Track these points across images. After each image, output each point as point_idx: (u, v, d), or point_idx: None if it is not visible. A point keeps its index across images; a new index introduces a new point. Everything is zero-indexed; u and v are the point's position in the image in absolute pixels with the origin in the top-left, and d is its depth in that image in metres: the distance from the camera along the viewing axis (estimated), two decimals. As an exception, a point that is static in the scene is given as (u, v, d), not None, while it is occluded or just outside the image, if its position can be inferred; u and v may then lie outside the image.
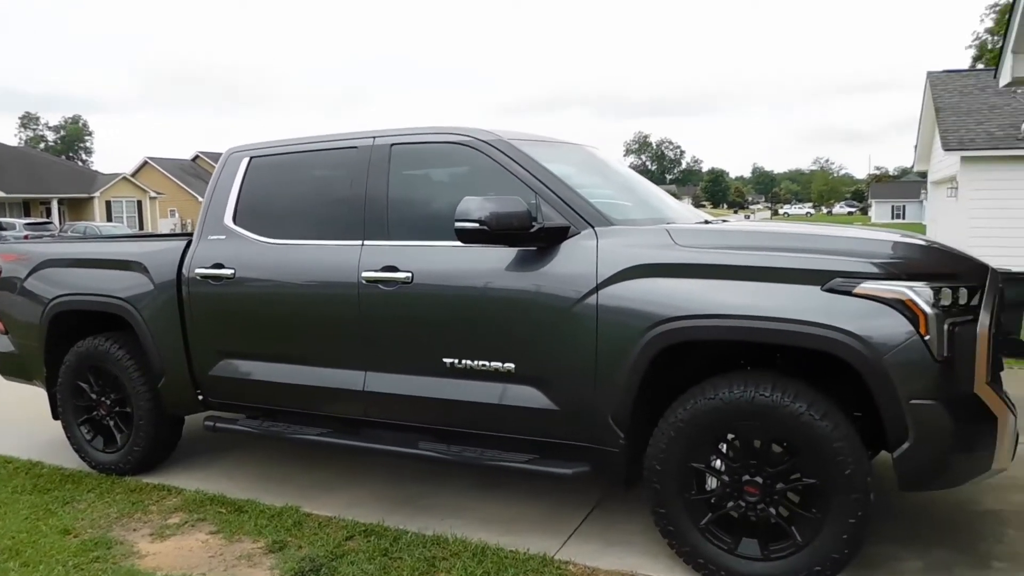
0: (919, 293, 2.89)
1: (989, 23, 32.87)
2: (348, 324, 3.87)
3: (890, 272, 2.95)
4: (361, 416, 3.97)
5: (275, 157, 4.41)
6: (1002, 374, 3.33)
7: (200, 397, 4.49)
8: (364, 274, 3.80)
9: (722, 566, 3.16)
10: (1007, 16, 7.74)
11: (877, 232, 3.50)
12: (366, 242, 3.89)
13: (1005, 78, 8.01)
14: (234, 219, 4.36)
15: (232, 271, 4.21)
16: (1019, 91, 14.11)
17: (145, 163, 52.58)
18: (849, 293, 2.94)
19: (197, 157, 56.47)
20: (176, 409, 4.59)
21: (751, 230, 3.56)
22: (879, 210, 67.02)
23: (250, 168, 4.43)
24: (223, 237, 4.34)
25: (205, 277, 4.29)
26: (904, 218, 62.47)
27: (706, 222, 4.10)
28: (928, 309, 2.87)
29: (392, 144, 3.98)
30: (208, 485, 4.45)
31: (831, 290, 2.97)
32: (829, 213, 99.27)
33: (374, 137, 4.05)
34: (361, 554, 3.50)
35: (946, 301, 2.93)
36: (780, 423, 3.01)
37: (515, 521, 3.87)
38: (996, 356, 3.16)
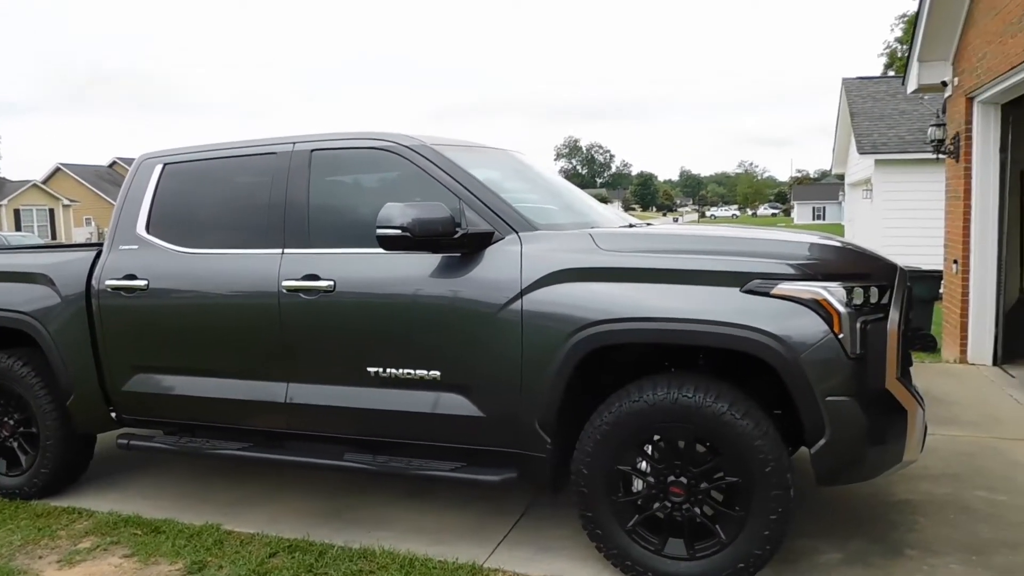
0: (833, 293, 2.97)
1: (899, 32, 34.44)
2: (269, 335, 3.75)
3: (806, 273, 3.03)
4: (284, 429, 3.86)
5: (191, 164, 4.25)
6: (911, 368, 3.47)
7: (113, 414, 4.29)
8: (285, 283, 3.70)
9: (649, 567, 3.18)
10: (913, 26, 8.10)
11: (794, 234, 3.59)
12: (286, 250, 3.78)
13: (912, 85, 8.38)
14: (147, 228, 4.18)
15: (145, 282, 4.03)
16: (926, 97, 14.80)
17: (58, 169, 50.23)
18: (767, 294, 3.01)
19: (115, 163, 54.33)
20: (87, 428, 4.37)
21: (673, 233, 3.62)
22: (801, 211, 69.45)
23: (164, 175, 4.26)
24: (136, 247, 4.16)
25: (117, 289, 4.10)
26: (824, 219, 64.86)
27: (630, 226, 4.15)
28: (841, 308, 2.95)
29: (313, 150, 3.89)
30: (122, 506, 4.24)
31: (750, 291, 3.03)
32: (754, 215, 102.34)
33: (294, 143, 3.95)
34: (285, 571, 3.39)
35: (858, 300, 3.03)
36: (703, 423, 3.05)
37: (444, 530, 3.82)
38: (906, 352, 3.29)
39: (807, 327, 2.96)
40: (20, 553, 3.73)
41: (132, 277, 4.07)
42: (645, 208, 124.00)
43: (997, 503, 3.99)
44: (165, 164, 4.28)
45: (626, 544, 3.22)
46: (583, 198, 4.62)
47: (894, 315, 3.10)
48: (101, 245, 4.37)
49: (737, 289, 3.04)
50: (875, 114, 17.52)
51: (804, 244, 3.29)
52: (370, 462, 3.65)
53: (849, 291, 3.01)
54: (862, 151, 16.26)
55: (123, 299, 4.09)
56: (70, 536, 3.90)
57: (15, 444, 4.48)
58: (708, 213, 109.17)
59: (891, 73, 28.42)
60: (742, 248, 3.21)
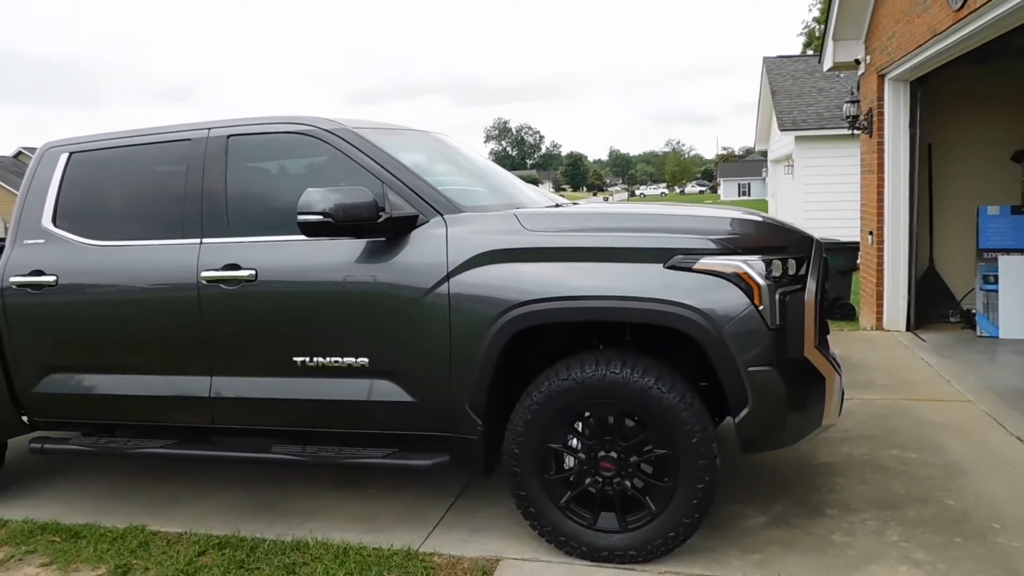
0: (752, 266, 3.04)
1: (816, 12, 35.46)
2: (189, 328, 3.63)
3: (726, 247, 3.09)
4: (209, 424, 3.74)
5: (99, 152, 4.06)
6: (829, 337, 3.60)
7: (24, 418, 4.09)
8: (204, 274, 3.58)
9: (583, 542, 3.23)
10: (828, 5, 8.33)
11: (714, 210, 3.66)
12: (204, 240, 3.66)
13: (827, 63, 8.64)
14: (54, 221, 3.98)
15: (54, 278, 3.85)
16: (842, 75, 15.30)
17: (-40, 161, 47.45)
18: (689, 269, 3.06)
19: (20, 153, 51.62)
20: (-5, 433, 4.16)
21: (597, 212, 3.64)
22: (727, 188, 71.13)
23: (70, 165, 4.06)
24: (41, 241, 3.96)
25: (22, 286, 3.90)
26: (750, 195, 66.58)
27: (556, 205, 4.16)
28: (761, 281, 3.03)
29: (229, 136, 3.76)
30: (38, 513, 4.05)
31: (672, 267, 3.08)
32: (682, 193, 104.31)
33: (209, 129, 3.81)
34: (215, 569, 3.31)
35: (777, 272, 3.11)
36: (631, 398, 3.10)
37: (377, 517, 3.79)
38: (823, 321, 3.40)
39: (729, 300, 3.03)
40: (-72, 568, 3.54)
41: (39, 273, 3.88)
42: (576, 188, 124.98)
43: (909, 460, 4.20)
44: (71, 153, 4.07)
45: (559, 520, 3.26)
46: (509, 179, 4.61)
47: (811, 286, 3.20)
48: (3, 240, 4.14)
49: (660, 265, 3.09)
50: (795, 92, 18.04)
51: (724, 219, 3.35)
52: (300, 453, 3.59)
53: (768, 264, 3.08)
54: (783, 128, 16.74)
55: (30, 296, 3.89)
56: (-17, 547, 3.72)
57: (-82, 454, 4.23)
58: (638, 192, 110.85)
59: (810, 52, 29.24)
60: (664, 225, 3.25)
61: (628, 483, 3.20)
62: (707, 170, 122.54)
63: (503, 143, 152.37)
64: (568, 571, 3.18)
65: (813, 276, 3.24)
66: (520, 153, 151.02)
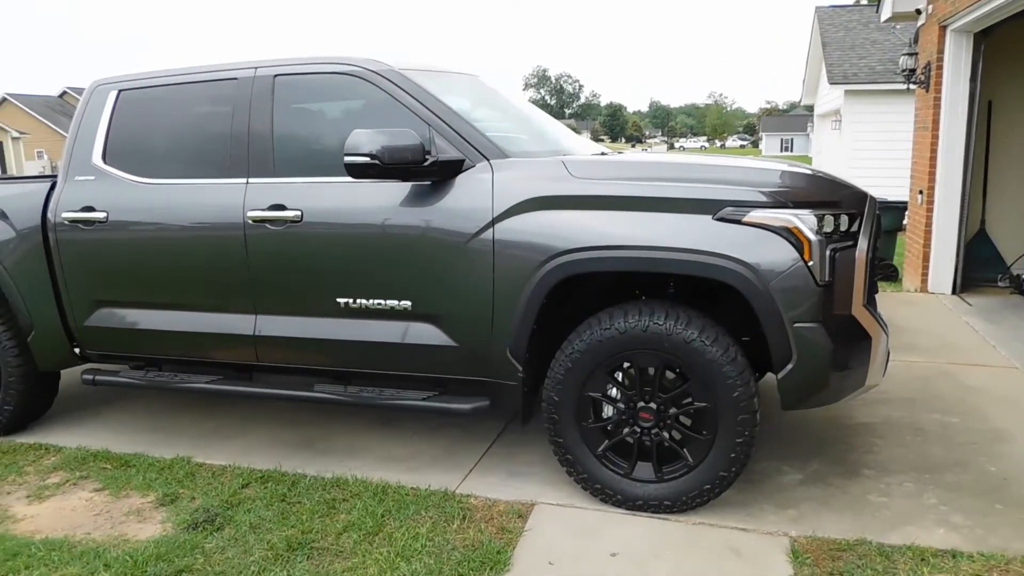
0: (804, 221, 2.97)
1: (872, -41, 33.98)
2: (234, 267, 3.68)
3: (777, 201, 3.02)
4: (253, 361, 3.82)
5: (148, 90, 4.07)
6: (877, 296, 3.53)
7: (76, 350, 4.21)
8: (250, 214, 3.61)
9: (618, 490, 3.26)
10: (887, -49, 7.96)
11: (766, 162, 3.57)
12: (251, 180, 3.67)
13: (886, 12, 8.29)
14: (104, 158, 4.03)
15: (104, 214, 3.91)
16: (898, 26, 14.71)
17: (4, 100, 48.15)
18: (739, 222, 3.00)
19: (65, 93, 52.21)
20: (49, 364, 4.29)
21: (646, 161, 3.57)
22: (769, 143, 69.57)
23: (119, 102, 4.08)
24: (92, 178, 4.02)
25: (74, 222, 3.97)
26: (792, 151, 65.08)
27: (602, 154, 4.10)
28: (812, 236, 2.96)
29: (276, 75, 3.74)
30: (91, 441, 4.21)
31: (722, 219, 3.02)
32: (723, 146, 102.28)
33: (256, 68, 3.79)
34: (258, 501, 3.41)
35: (828, 228, 3.03)
36: (673, 350, 3.08)
37: (415, 458, 3.86)
38: (872, 280, 3.33)
39: (778, 255, 2.97)
40: (-12, 488, 3.70)
41: (90, 209, 3.94)
42: (614, 139, 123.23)
43: (949, 425, 4.14)
44: (120, 91, 4.09)
45: (596, 468, 3.28)
46: (555, 126, 4.54)
47: (863, 243, 3.13)
48: (53, 177, 4.21)
49: (709, 217, 3.03)
50: (847, 44, 17.41)
51: (776, 172, 3.27)
52: (341, 393, 3.65)
53: (820, 219, 3.01)
54: (832, 81, 16.21)
55: (81, 232, 3.96)
56: (38, 472, 3.87)
57: (-24, 381, 4.39)
58: (677, 144, 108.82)
59: (864, 1, 28.14)
60: (714, 176, 3.18)
61: (666, 434, 3.21)
62: (749, 124, 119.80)
63: (541, 91, 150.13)
64: (603, 518, 3.21)
65: (866, 233, 3.16)
66: (558, 102, 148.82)
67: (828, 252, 3.00)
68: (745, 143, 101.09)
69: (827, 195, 3.19)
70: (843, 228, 3.10)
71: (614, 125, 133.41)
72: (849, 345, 3.12)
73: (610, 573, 2.84)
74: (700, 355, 3.05)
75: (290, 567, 2.89)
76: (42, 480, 3.77)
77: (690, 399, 3.17)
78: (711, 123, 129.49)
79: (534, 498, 3.39)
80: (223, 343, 3.84)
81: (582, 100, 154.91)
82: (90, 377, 4.17)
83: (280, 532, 3.13)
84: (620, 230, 3.10)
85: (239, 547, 3.05)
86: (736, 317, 3.30)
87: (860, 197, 3.25)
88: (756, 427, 3.10)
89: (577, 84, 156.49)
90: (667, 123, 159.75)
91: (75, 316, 4.10)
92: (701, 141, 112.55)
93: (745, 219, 3.01)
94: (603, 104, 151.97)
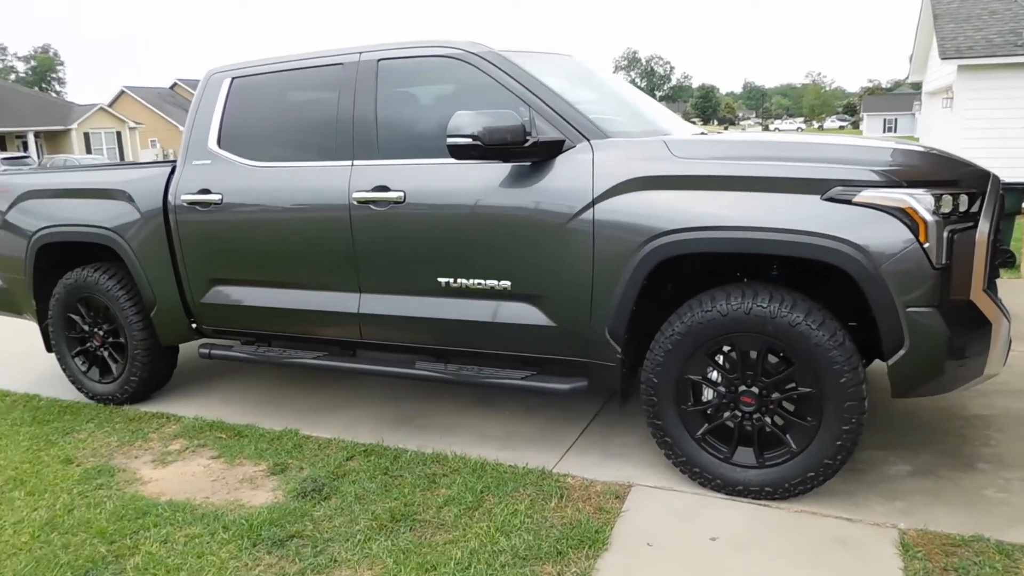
0: (920, 200, 2.84)
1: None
2: (340, 246, 3.81)
3: (890, 180, 2.90)
4: (357, 338, 3.96)
5: (258, 77, 4.25)
6: (997, 281, 3.34)
7: (193, 325, 4.47)
8: (355, 195, 3.72)
9: (718, 474, 3.22)
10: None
11: (876, 140, 3.43)
12: (355, 162, 3.79)
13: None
14: (219, 143, 4.24)
15: (219, 196, 4.12)
16: (1018, -5, 13.76)
17: (122, 93, 51.20)
18: (849, 202, 2.90)
19: (176, 85, 55.03)
20: (169, 338, 4.57)
21: (750, 140, 3.48)
22: (871, 123, 66.34)
23: (232, 89, 4.28)
24: (208, 162, 4.23)
25: (192, 203, 4.20)
26: (896, 131, 61.91)
27: (701, 134, 4.02)
28: (928, 216, 2.83)
29: (379, 60, 3.84)
30: (206, 412, 4.47)
31: (831, 199, 2.92)
32: (820, 128, 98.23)
33: (360, 53, 3.90)
34: (362, 473, 3.55)
35: (946, 208, 2.89)
36: (777, 334, 3.01)
37: (512, 437, 3.92)
38: (993, 263, 3.15)
39: (890, 236, 2.85)
40: (118, 453, 3.98)
41: (206, 192, 4.16)
42: (706, 121, 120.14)
43: (1079, 419, 3.88)
44: (233, 78, 4.29)
45: (695, 452, 3.25)
46: (652, 105, 4.48)
47: (983, 225, 2.96)
48: (174, 162, 4.46)
49: (817, 197, 2.94)
50: (961, 15, 16.38)
51: (887, 149, 3.13)
52: (441, 371, 3.74)
53: (937, 199, 2.87)
54: (944, 56, 15.30)
55: (198, 213, 4.19)
56: (161, 439, 4.14)
57: (106, 354, 4.73)
58: (772, 126, 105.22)
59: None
60: (822, 154, 3.08)
61: (768, 419, 3.15)
62: (849, 104, 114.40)
63: (632, 73, 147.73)
64: (701, 502, 3.18)
65: (987, 214, 2.99)
66: (649, 84, 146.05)
67: (946, 233, 2.86)
68: (845, 124, 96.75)
69: (945, 174, 3.03)
70: (962, 209, 2.95)
71: (706, 107, 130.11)
72: (967, 332, 2.96)
73: (710, 557, 2.81)
74: (806, 339, 2.97)
75: (394, 537, 3.00)
76: (165, 447, 4.03)
77: (794, 384, 3.09)
78: (808, 103, 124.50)
79: (631, 480, 3.39)
80: (328, 320, 3.99)
81: (673, 82, 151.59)
82: (206, 351, 4.42)
83: (384, 503, 3.25)
84: (724, 210, 3.04)
85: (345, 516, 3.18)
86: (843, 301, 3.19)
87: (982, 176, 3.07)
88: (864, 415, 3.00)
89: (668, 66, 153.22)
90: (762, 104, 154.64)
91: (193, 293, 4.34)
92: (797, 122, 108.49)
93: (856, 199, 2.90)
94: (695, 86, 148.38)
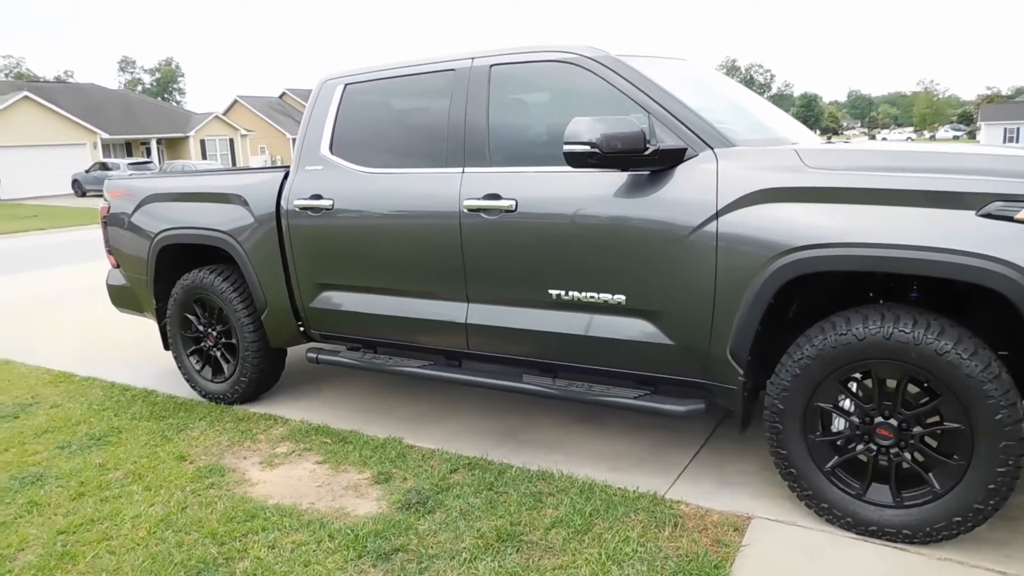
0: (1092, 219, 2.53)
1: None
2: (449, 254, 3.76)
3: (1058, 194, 2.60)
4: (463, 349, 3.89)
5: (370, 83, 4.27)
6: None
7: (302, 329, 4.52)
8: (465, 203, 3.66)
9: (848, 512, 2.97)
10: None
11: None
12: (466, 169, 3.73)
13: None
14: (331, 149, 4.27)
15: (331, 202, 4.14)
16: None
17: (235, 102, 53.91)
18: (1010, 219, 2.61)
19: (284, 94, 57.46)
20: (279, 341, 4.64)
21: (891, 150, 3.21)
22: (989, 133, 62.34)
23: (345, 96, 4.31)
24: (320, 167, 4.27)
25: (304, 208, 4.24)
26: (1018, 141, 57.99)
27: (829, 141, 3.76)
28: (1104, 236, 2.52)
29: (492, 65, 3.77)
30: (312, 416, 4.51)
31: (988, 215, 2.64)
32: (932, 137, 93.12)
33: (473, 58, 3.85)
34: (467, 487, 3.46)
35: (1123, 227, 2.57)
36: (921, 362, 2.74)
37: (620, 458, 3.76)
38: None
39: None
40: (228, 453, 4.06)
41: (318, 197, 4.19)
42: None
43: None
44: (346, 85, 4.32)
45: (823, 485, 3.01)
46: (774, 112, 4.26)
47: None
48: (287, 167, 4.53)
49: (972, 212, 2.66)
50: (1103, 17, 15.09)
51: None
52: (549, 386, 3.62)
53: (1112, 217, 2.55)
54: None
55: (310, 218, 4.23)
56: (269, 440, 4.19)
57: (219, 354, 4.85)
58: (879, 136, 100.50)
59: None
60: (975, 165, 2.80)
61: (908, 455, 2.88)
62: (965, 112, 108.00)
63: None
64: (830, 540, 2.94)
65: None
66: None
67: (1124, 256, 2.53)
68: (960, 133, 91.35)
69: (1119, 188, 2.69)
70: None
71: (808, 116, 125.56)
72: None
73: (843, 603, 2.58)
74: (955, 369, 2.69)
75: (501, 558, 2.89)
76: (272, 448, 4.08)
77: (939, 418, 2.81)
78: (918, 112, 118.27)
79: (750, 511, 3.17)
80: (435, 329, 3.94)
81: (773, 91, 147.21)
82: (313, 356, 4.46)
83: (489, 521, 3.15)
84: (863, 225, 2.80)
85: (450, 532, 3.10)
86: (992, 328, 2.89)
87: None
88: (1022, 456, 2.69)
89: (769, 74, 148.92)
90: (868, 113, 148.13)
91: (302, 297, 4.39)
92: (907, 132, 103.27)
93: (1018, 216, 2.61)
94: (796, 94, 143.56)
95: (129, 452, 4.08)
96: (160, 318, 5.09)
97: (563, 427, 4.17)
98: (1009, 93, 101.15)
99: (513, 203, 3.52)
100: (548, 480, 3.49)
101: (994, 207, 2.64)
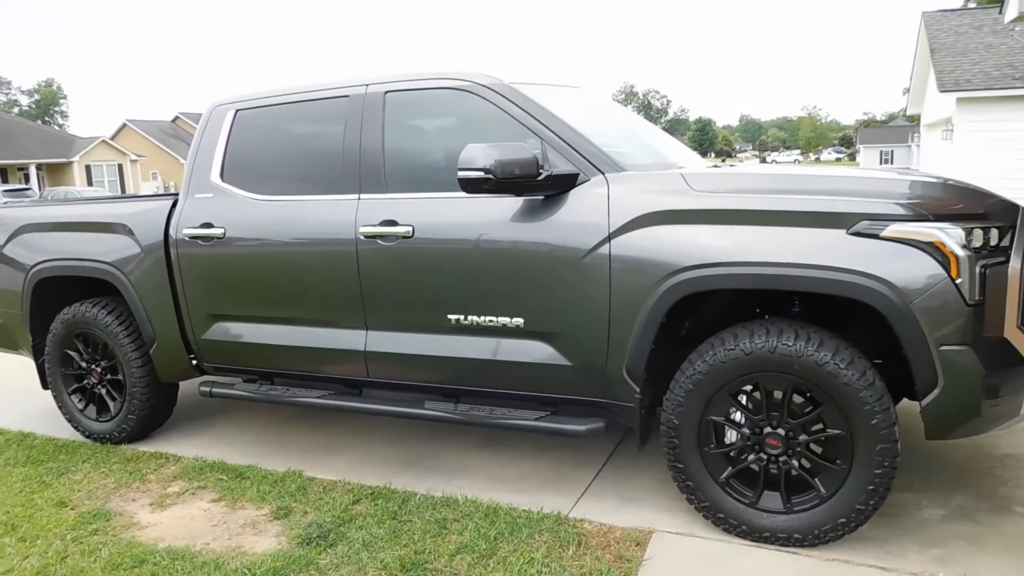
0: (950, 235, 2.75)
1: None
2: (346, 282, 3.70)
3: (918, 213, 2.81)
4: (363, 377, 3.83)
5: (262, 109, 4.18)
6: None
7: (194, 362, 4.34)
8: (362, 229, 3.62)
9: (743, 520, 3.08)
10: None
11: (901, 172, 3.34)
12: (363, 196, 3.70)
13: (1012, 13, 7.79)
14: (222, 176, 4.15)
15: (222, 230, 4.01)
16: (1017, 28, 13.85)
17: (124, 125, 51.52)
18: (876, 236, 2.80)
19: (177, 118, 55.38)
20: (169, 375, 4.43)
21: (771, 173, 3.39)
22: (867, 155, 66.67)
23: (236, 122, 4.20)
24: (211, 195, 4.14)
25: (194, 237, 4.09)
26: (892, 163, 62.16)
27: (715, 167, 3.94)
28: (960, 251, 2.73)
29: (386, 92, 3.76)
30: (207, 452, 4.32)
31: (857, 233, 2.82)
32: (817, 159, 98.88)
33: (367, 85, 3.83)
34: (370, 518, 3.39)
35: (977, 242, 2.79)
36: (803, 373, 2.89)
37: (525, 479, 3.77)
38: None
39: (921, 272, 2.75)
40: (114, 495, 3.83)
41: (208, 225, 4.06)
42: (704, 154, 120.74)
43: (1113, 459, 3.75)
44: (237, 111, 4.21)
45: (719, 496, 3.11)
46: (664, 138, 4.42)
47: (1016, 259, 2.85)
48: (175, 195, 4.36)
49: (843, 231, 2.84)
50: (958, 49, 16.51)
51: (913, 182, 3.05)
52: (451, 411, 3.60)
53: (968, 232, 2.77)
54: (943, 89, 15.37)
55: (200, 248, 4.08)
56: (159, 480, 3.99)
57: (104, 391, 4.59)
58: (769, 158, 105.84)
59: (972, 5, 26.70)
60: (846, 187, 2.99)
61: (795, 462, 3.01)
62: (845, 136, 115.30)
63: (629, 107, 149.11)
64: (727, 549, 3.04)
65: (1019, 248, 2.88)
66: (647, 117, 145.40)
67: (978, 268, 2.75)
68: (841, 156, 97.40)
69: (974, 206, 2.93)
70: (993, 242, 2.85)
71: (703, 140, 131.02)
72: (1002, 370, 2.85)
73: (739, 610, 2.66)
74: (834, 379, 2.85)
75: (405, 588, 2.84)
76: (163, 488, 3.88)
77: (822, 425, 2.97)
78: (804, 136, 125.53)
79: (652, 525, 3.24)
80: (334, 358, 3.86)
81: (670, 115, 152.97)
82: (207, 389, 4.28)
83: (393, 551, 3.10)
84: (746, 245, 2.94)
85: (353, 565, 3.03)
86: (867, 339, 3.08)
87: (1010, 208, 2.97)
88: (897, 457, 2.87)
89: (665, 99, 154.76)
90: (758, 137, 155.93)
91: (193, 329, 4.22)
92: (794, 154, 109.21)
93: (883, 233, 2.80)
94: (691, 119, 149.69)
95: (1, 501, 3.79)
96: (38, 355, 4.78)
97: (468, 452, 4.16)
98: (883, 119, 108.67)
99: (410, 229, 3.51)
100: (453, 506, 3.47)
101: (862, 226, 2.83)
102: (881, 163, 63.35)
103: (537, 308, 3.30)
